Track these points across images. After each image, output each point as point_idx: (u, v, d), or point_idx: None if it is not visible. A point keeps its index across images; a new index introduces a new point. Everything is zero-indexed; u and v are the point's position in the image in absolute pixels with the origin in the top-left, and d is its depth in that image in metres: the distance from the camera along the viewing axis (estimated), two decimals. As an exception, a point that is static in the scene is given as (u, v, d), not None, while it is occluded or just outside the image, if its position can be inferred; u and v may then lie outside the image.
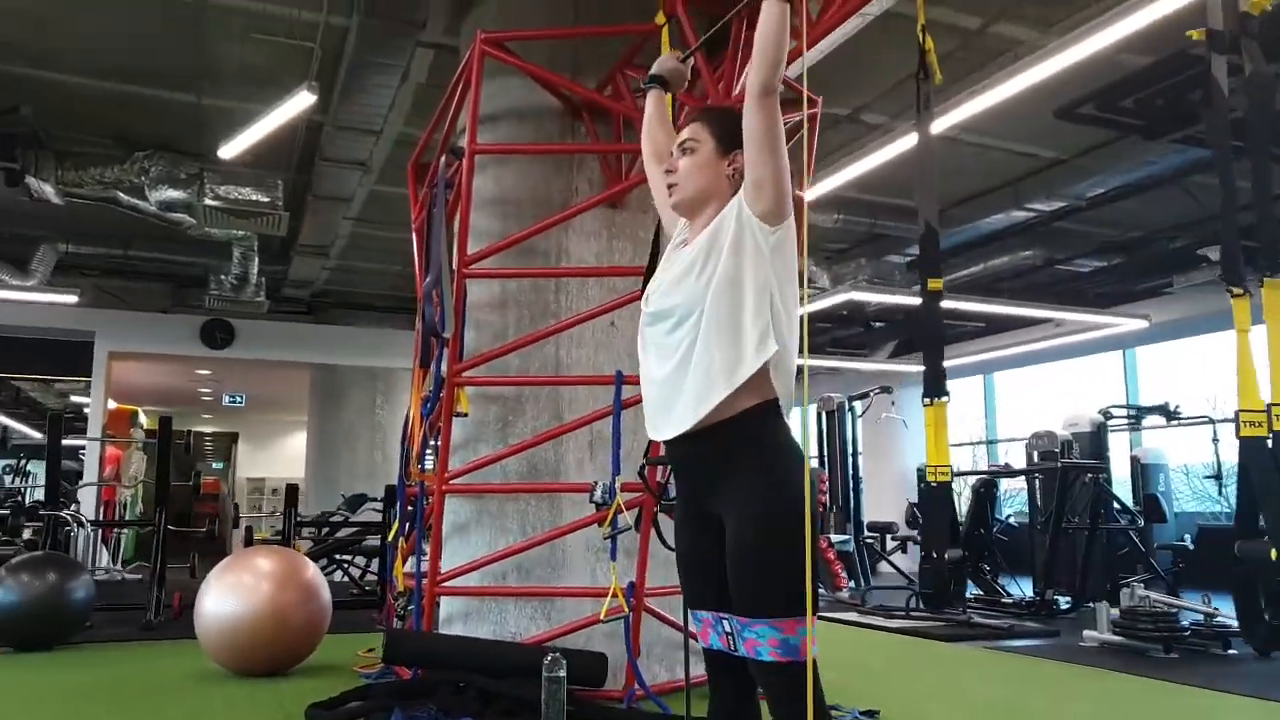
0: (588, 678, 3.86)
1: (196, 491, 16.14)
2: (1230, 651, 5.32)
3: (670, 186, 2.03)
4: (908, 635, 6.24)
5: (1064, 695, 4.47)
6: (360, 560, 8.39)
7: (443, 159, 4.23)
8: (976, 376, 13.22)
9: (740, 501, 1.81)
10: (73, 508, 8.97)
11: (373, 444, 11.24)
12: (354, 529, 7.95)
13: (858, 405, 10.34)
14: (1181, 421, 9.47)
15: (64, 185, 6.74)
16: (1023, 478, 8.82)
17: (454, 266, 3.99)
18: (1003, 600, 7.73)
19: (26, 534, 9.17)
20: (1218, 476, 9.51)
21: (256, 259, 8.34)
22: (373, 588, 8.64)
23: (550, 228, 4.18)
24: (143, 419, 17.32)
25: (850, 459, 10.15)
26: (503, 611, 4.20)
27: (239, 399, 15.15)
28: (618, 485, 3.84)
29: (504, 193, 4.49)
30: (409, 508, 4.53)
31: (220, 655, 4.53)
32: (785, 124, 1.89)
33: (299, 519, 7.09)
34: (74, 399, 15.25)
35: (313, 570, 4.78)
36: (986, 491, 8.30)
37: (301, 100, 5.01)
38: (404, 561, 4.51)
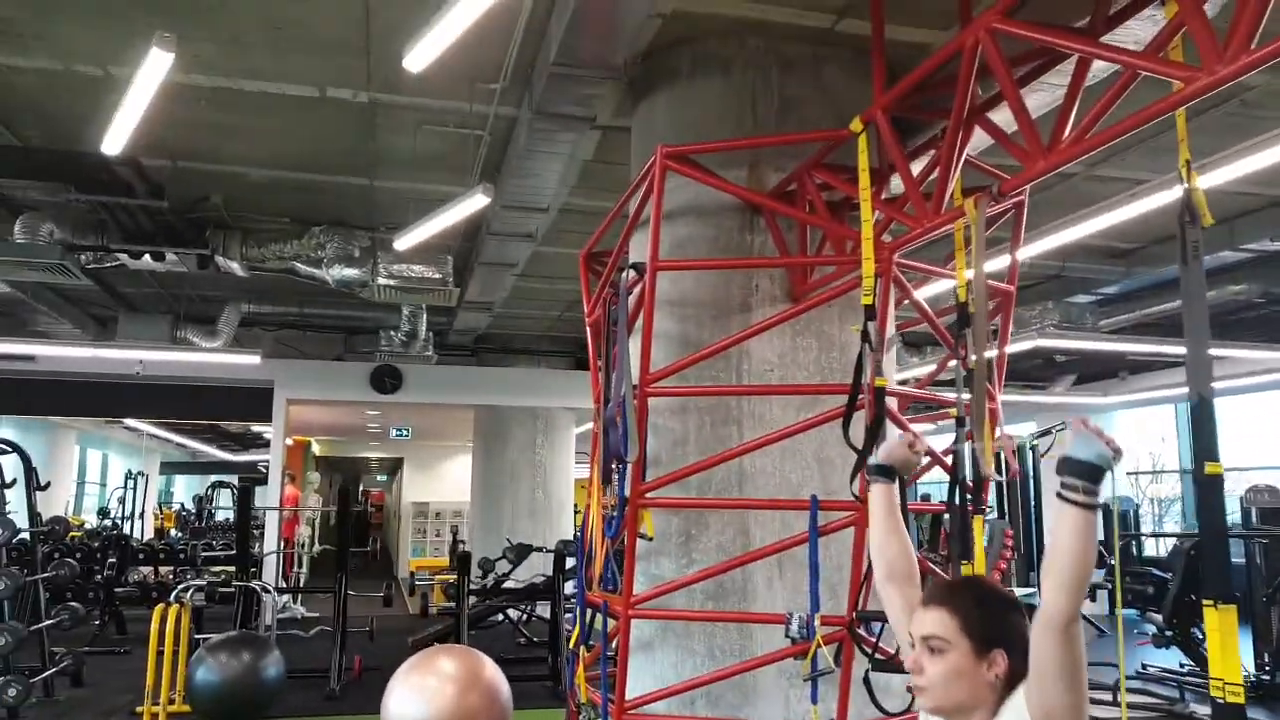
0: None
1: (364, 520, 16.79)
2: None
3: (916, 689, 1.66)
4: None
5: None
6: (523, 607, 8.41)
7: (624, 274, 4.08)
8: (1168, 406, 12.20)
9: None
10: (256, 536, 9.44)
11: (534, 482, 11.39)
12: (519, 584, 7.98)
13: (1040, 443, 9.64)
14: None
15: (248, 260, 7.06)
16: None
17: (636, 383, 3.84)
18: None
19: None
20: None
21: (425, 316, 8.53)
22: (537, 638, 8.72)
23: (734, 344, 3.97)
24: (315, 448, 18.34)
25: (1033, 505, 9.48)
26: (693, 740, 4.03)
27: (405, 432, 15.73)
28: (817, 622, 3.60)
29: (682, 295, 4.31)
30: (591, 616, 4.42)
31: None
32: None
33: (470, 587, 7.16)
34: (253, 427, 16.18)
35: (491, 669, 4.75)
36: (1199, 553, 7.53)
37: (476, 202, 4.99)
38: (584, 669, 4.41)
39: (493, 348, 11.12)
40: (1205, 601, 2.05)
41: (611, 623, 4.14)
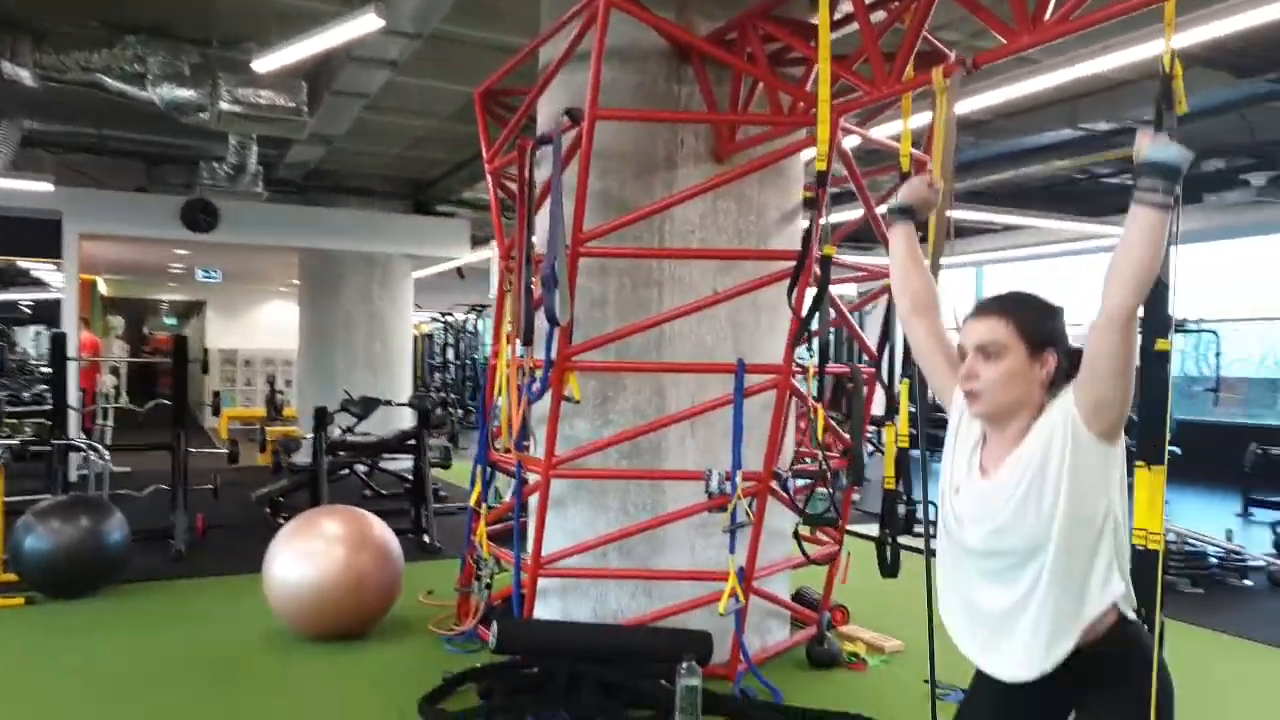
0: (693, 656, 3.83)
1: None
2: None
3: (970, 394, 1.75)
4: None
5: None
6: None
7: (561, 117, 3.78)
8: (970, 269, 13.25)
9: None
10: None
11: (371, 333, 10.84)
12: (372, 439, 7.70)
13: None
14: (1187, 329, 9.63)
15: (42, 69, 5.99)
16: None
17: (566, 243, 3.64)
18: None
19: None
20: (1215, 389, 9.79)
21: (255, 147, 7.67)
22: (386, 490, 8.54)
23: (667, 208, 3.84)
24: (102, 287, 16.52)
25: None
26: (603, 588, 4.11)
27: (214, 274, 14.42)
28: (739, 478, 3.70)
29: (602, 147, 4.04)
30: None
31: (294, 621, 4.40)
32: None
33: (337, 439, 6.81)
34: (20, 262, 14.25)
35: (379, 528, 4.61)
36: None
37: (365, 24, 4.40)
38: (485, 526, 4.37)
39: (323, 186, 10.22)
40: (1139, 463, 2.24)
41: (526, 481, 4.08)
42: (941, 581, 1.87)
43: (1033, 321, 1.72)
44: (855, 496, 5.02)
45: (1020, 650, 1.69)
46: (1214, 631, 4.84)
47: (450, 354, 17.36)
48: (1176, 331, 9.13)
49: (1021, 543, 1.68)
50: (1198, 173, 8.16)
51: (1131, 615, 1.72)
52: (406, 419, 10.57)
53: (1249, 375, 11.80)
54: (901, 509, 3.45)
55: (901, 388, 3.43)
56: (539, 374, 3.74)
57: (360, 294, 10.82)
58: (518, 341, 3.92)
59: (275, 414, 13.92)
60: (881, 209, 2.11)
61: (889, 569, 3.39)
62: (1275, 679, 4.32)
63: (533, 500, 4.06)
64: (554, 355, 3.67)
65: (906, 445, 3.40)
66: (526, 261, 3.82)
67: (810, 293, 3.40)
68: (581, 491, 4.12)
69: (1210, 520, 7.26)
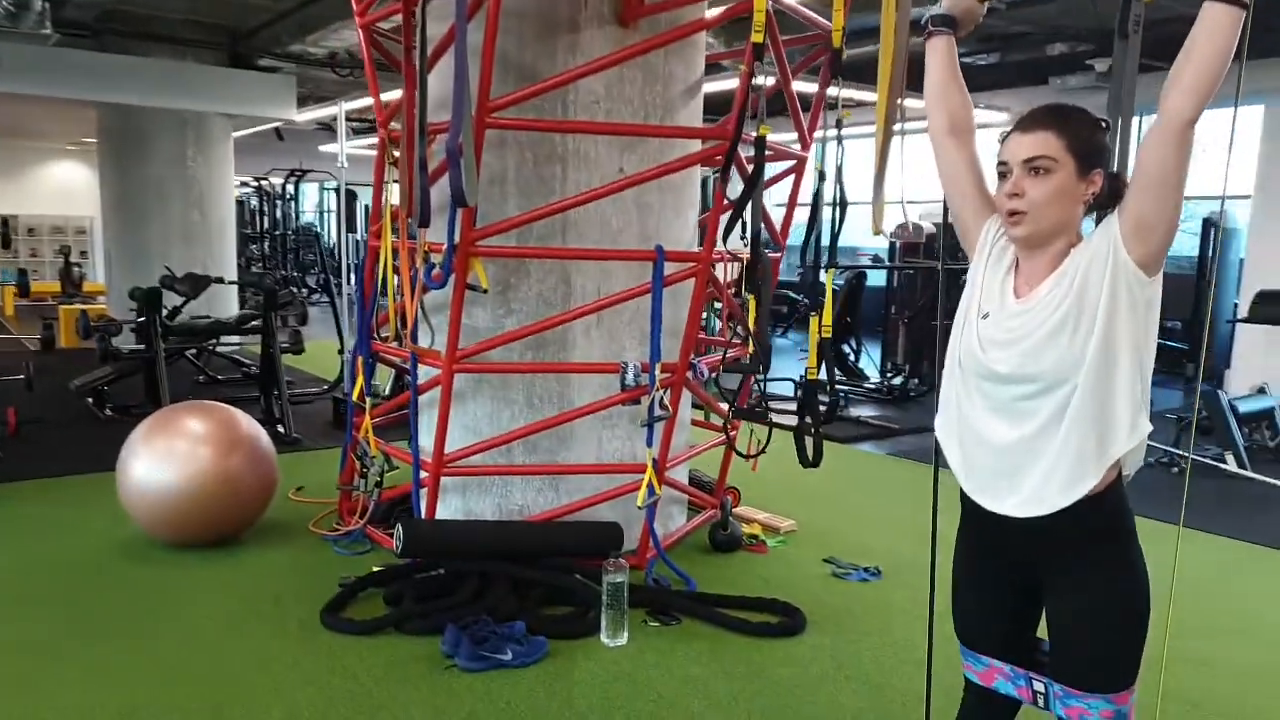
0: (606, 547, 3.79)
1: None
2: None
3: (1014, 214, 1.64)
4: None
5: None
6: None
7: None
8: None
9: (1090, 586, 1.71)
10: None
11: (188, 201, 9.73)
12: (209, 322, 7.02)
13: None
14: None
15: None
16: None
17: (472, 112, 3.26)
18: (866, 386, 8.37)
19: None
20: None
21: (41, -20, 6.49)
22: (223, 375, 7.91)
23: (575, 79, 3.52)
24: None
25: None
26: (507, 484, 3.95)
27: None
28: (657, 370, 3.59)
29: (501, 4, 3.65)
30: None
31: (160, 528, 4.00)
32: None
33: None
34: None
35: (248, 424, 4.21)
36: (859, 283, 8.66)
37: None
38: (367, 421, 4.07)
39: (123, 30, 8.86)
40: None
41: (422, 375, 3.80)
42: (945, 418, 1.80)
43: (1085, 136, 1.63)
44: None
45: (1032, 488, 1.65)
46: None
47: (268, 224, 16.07)
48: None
49: (1051, 368, 1.62)
50: (1044, 56, 8.46)
51: (1129, 474, 1.71)
52: (233, 299, 9.76)
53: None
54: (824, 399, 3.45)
55: (827, 277, 3.36)
56: (437, 260, 3.41)
57: (173, 157, 9.64)
58: (410, 223, 3.55)
59: (74, 290, 12.48)
60: (922, 12, 1.92)
61: (811, 460, 3.42)
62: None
63: (427, 395, 3.80)
64: (456, 239, 3.35)
65: (830, 335, 3.37)
66: (420, 132, 3.41)
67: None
68: (483, 385, 3.88)
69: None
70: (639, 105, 3.91)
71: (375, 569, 3.68)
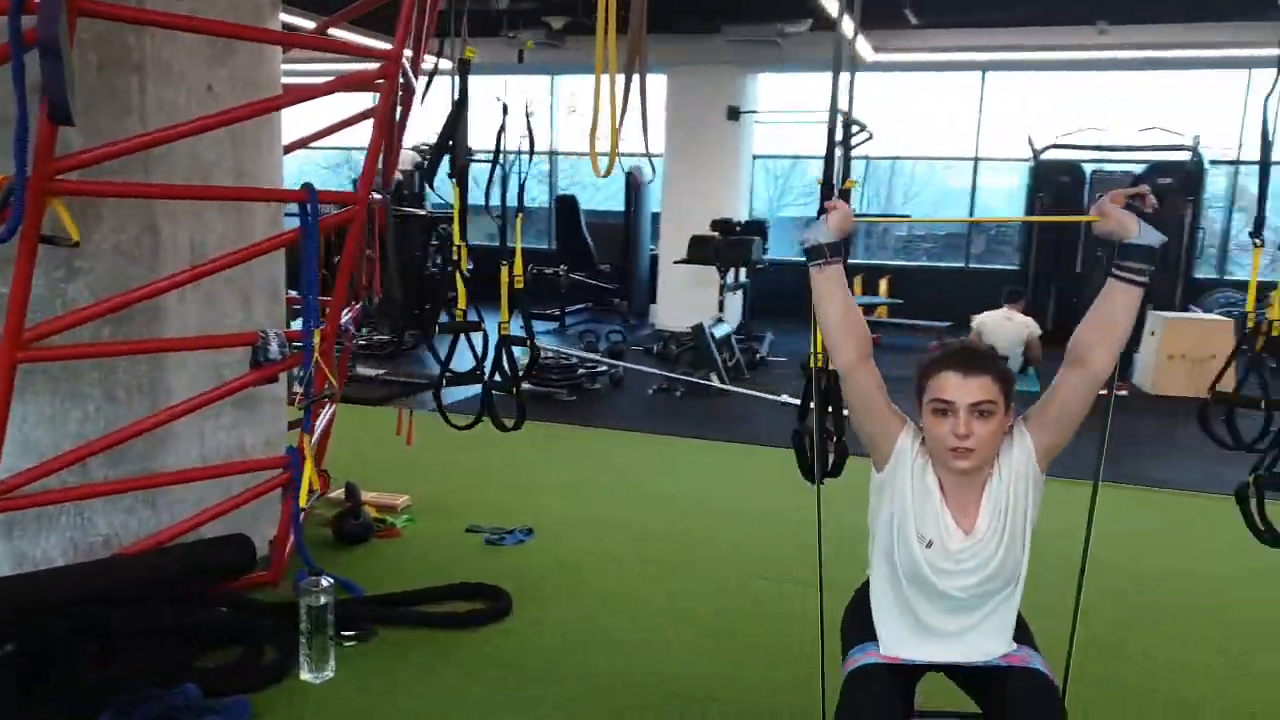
0: (235, 567, 3.07)
1: None
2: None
3: (962, 451, 1.73)
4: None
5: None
6: None
7: None
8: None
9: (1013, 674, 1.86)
10: None
11: None
12: None
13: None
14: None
15: None
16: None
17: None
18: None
19: None
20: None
21: None
22: None
23: None
24: None
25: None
26: (86, 510, 2.89)
27: None
28: (316, 338, 2.94)
29: None
30: None
31: None
32: None
33: None
34: None
35: None
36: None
37: None
38: None
39: None
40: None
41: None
42: (883, 604, 1.88)
43: (1009, 378, 1.79)
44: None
45: (983, 646, 1.84)
46: (584, 426, 5.73)
47: None
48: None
49: (1003, 579, 1.81)
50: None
51: None
52: None
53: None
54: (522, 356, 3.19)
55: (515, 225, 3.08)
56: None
57: None
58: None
59: None
60: (806, 240, 1.80)
61: (513, 425, 3.14)
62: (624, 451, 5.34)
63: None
64: (30, 170, 2.29)
65: (521, 285, 3.11)
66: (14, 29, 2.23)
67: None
68: (36, 374, 2.75)
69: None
70: (226, 6, 3.09)
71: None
